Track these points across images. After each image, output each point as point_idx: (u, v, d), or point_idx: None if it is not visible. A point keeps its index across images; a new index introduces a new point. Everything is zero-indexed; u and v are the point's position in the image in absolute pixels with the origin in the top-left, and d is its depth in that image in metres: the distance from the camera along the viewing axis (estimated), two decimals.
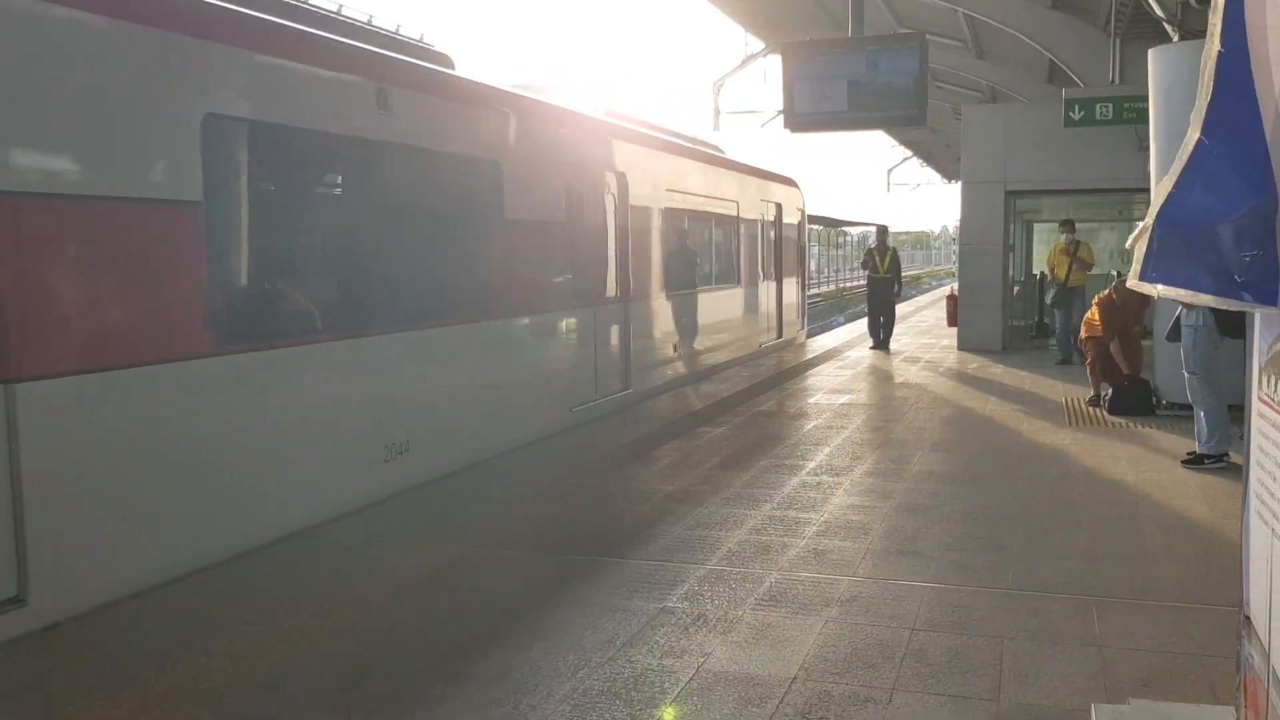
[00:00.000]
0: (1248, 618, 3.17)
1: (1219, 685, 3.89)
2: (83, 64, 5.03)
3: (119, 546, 5.14)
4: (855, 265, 20.98)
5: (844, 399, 11.65)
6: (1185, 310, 7.80)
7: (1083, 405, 10.82)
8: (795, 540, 6.04)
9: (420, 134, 7.68)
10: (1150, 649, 4.37)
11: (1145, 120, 11.32)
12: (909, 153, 47.08)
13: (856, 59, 10.54)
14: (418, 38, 8.55)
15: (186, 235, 5.56)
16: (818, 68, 10.64)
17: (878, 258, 17.43)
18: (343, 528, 6.40)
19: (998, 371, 13.99)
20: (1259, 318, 2.65)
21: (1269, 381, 3.00)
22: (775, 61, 20.63)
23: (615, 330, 11.04)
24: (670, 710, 3.86)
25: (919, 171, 56.17)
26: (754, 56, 24.45)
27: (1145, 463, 8.02)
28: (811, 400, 11.55)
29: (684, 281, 13.40)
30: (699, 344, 13.93)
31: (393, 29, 8.23)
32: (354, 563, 5.71)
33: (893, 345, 17.29)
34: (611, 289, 10.95)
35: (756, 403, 11.36)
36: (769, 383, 13.09)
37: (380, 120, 7.14)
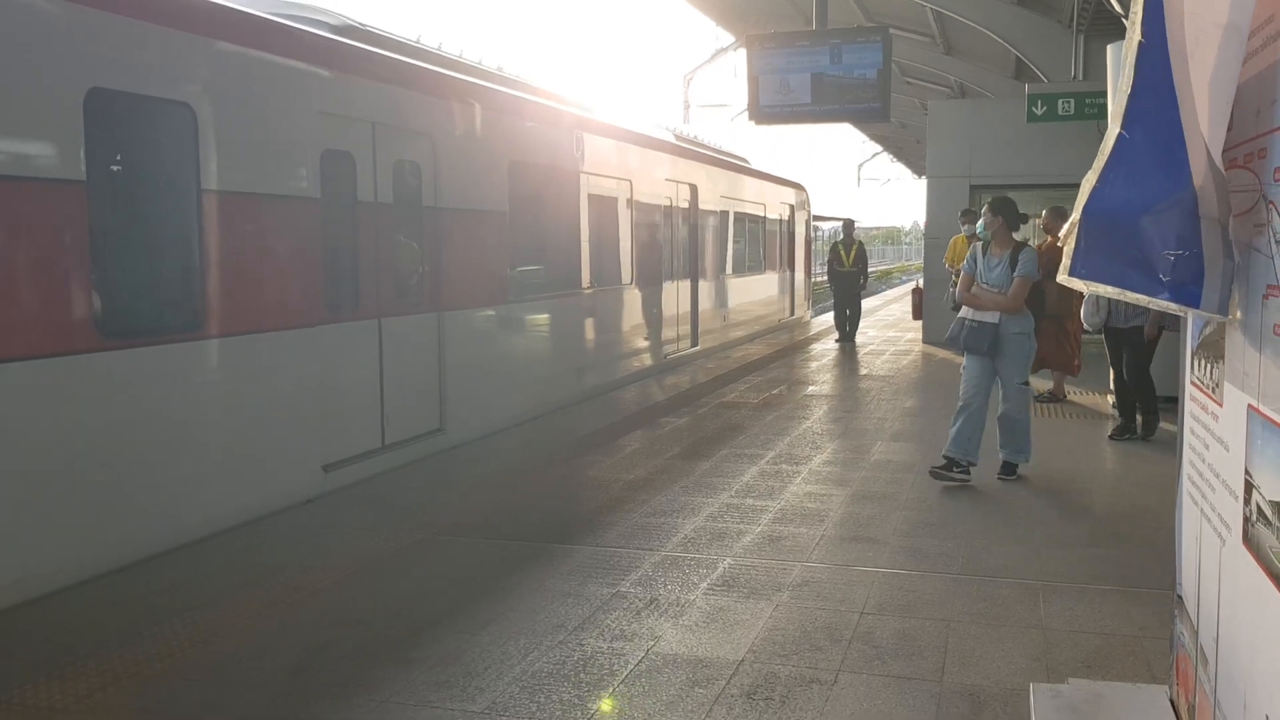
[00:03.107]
0: (1180, 597, 3.24)
1: (1155, 665, 3.97)
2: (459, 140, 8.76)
3: (486, 407, 8.93)
4: (825, 261, 21.06)
5: (808, 390, 11.71)
6: (1004, 318, 7.03)
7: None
8: (751, 527, 6.08)
9: (589, 164, 11.33)
10: (1093, 631, 4.44)
11: (1105, 115, 11.44)
12: (879, 148, 47.33)
13: (820, 52, 10.59)
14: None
15: (499, 232, 9.28)
16: (781, 60, 10.69)
17: (843, 251, 17.50)
18: (298, 515, 6.38)
19: (961, 363, 14.08)
20: (1206, 288, 2.64)
21: (1200, 366, 3.06)
22: (744, 55, 20.67)
23: (688, 301, 15.05)
24: (608, 701, 3.86)
25: (889, 167, 56.44)
26: (724, 50, 24.50)
27: (1097, 453, 8.13)
28: (775, 391, 11.61)
29: (729, 268, 17.24)
30: (738, 317, 17.60)
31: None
32: (309, 549, 5.69)
33: (859, 338, 17.39)
34: (687, 270, 15.02)
35: (720, 394, 11.40)
36: (733, 374, 13.14)
37: (578, 159, 11.04)
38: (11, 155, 4.85)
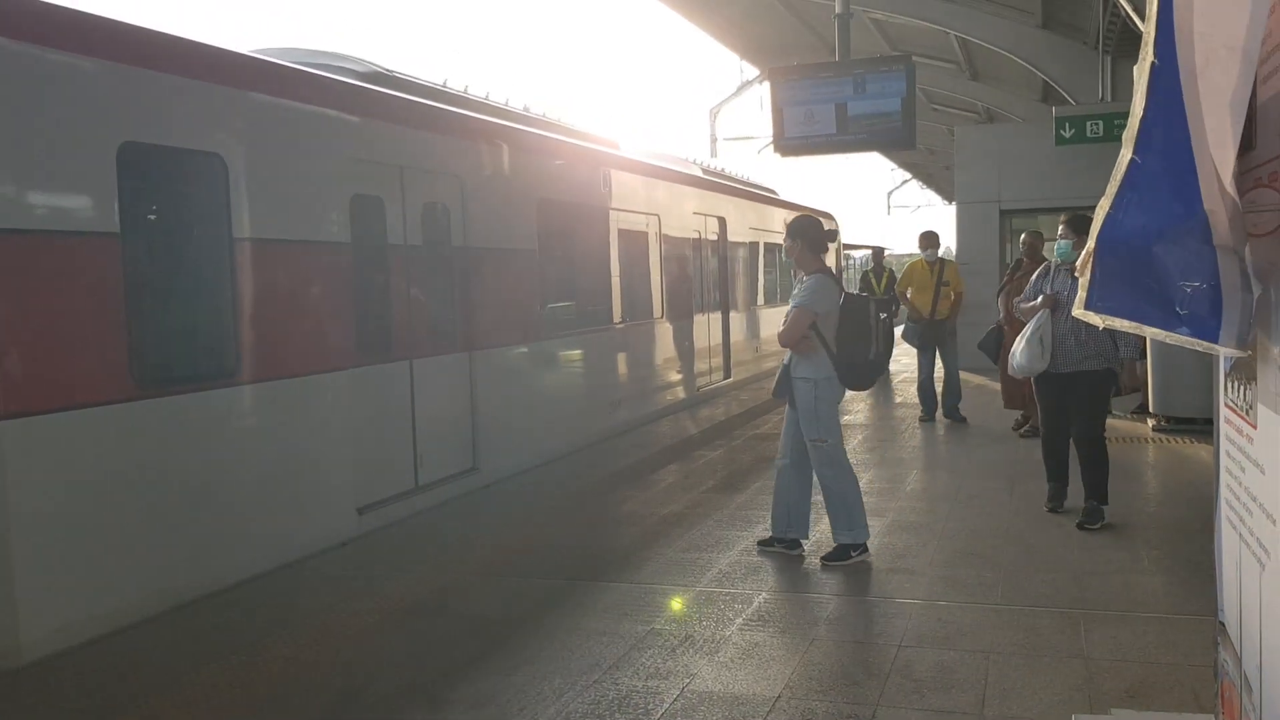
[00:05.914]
0: (1222, 623, 3.17)
1: (1201, 693, 3.88)
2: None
3: (519, 445, 8.92)
4: (858, 290, 20.82)
5: (841, 419, 11.61)
6: (796, 360, 5.94)
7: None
8: (786, 561, 6.03)
9: (617, 200, 11.49)
10: (1136, 660, 4.36)
11: None
12: (908, 175, 47.24)
13: (843, 83, 10.63)
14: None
15: (529, 270, 9.35)
16: (805, 92, 10.74)
17: (874, 279, 17.44)
18: (333, 558, 6.41)
19: (995, 389, 13.96)
20: (1224, 322, 2.57)
21: (1234, 388, 3.02)
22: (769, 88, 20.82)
23: (720, 333, 15.06)
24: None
25: (919, 194, 56.26)
26: (749, 83, 24.61)
27: (1135, 480, 8.00)
28: None
29: (760, 298, 17.39)
30: (770, 347, 17.31)
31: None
32: (345, 592, 5.71)
33: (891, 365, 17.26)
34: (718, 302, 15.10)
35: (753, 425, 11.37)
36: (766, 406, 13.08)
37: (606, 195, 11.17)
38: (48, 210, 4.96)
